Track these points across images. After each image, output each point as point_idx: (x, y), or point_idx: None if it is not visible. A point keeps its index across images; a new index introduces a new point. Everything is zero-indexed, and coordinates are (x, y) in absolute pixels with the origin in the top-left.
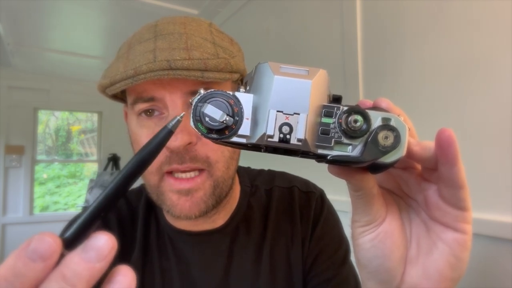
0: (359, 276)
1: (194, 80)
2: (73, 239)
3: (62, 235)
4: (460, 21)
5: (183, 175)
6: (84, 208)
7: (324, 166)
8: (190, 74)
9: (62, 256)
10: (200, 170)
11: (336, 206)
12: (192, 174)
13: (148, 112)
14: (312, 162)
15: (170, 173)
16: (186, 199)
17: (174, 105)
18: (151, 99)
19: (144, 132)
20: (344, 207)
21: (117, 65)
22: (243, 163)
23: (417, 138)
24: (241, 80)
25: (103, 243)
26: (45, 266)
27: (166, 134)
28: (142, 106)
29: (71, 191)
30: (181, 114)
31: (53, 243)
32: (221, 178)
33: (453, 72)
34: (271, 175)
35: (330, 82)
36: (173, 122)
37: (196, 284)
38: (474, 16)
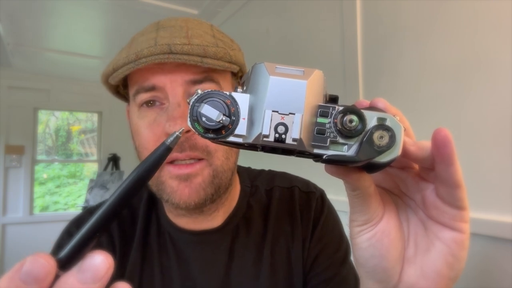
0: (358, 275)
1: (195, 68)
2: (68, 259)
3: (57, 246)
4: (460, 21)
5: (182, 162)
6: (85, 209)
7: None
8: (190, 59)
9: (57, 277)
10: (200, 159)
11: (337, 206)
12: (191, 160)
13: (150, 103)
14: (313, 162)
15: (170, 161)
16: (185, 185)
17: (175, 93)
18: (152, 88)
19: (145, 122)
20: (345, 207)
21: (120, 54)
22: (243, 163)
23: (414, 138)
24: (240, 78)
25: (99, 263)
26: None
27: (164, 151)
28: (143, 96)
29: (71, 191)
30: (180, 130)
31: (47, 265)
32: (221, 168)
33: (453, 72)
34: (272, 175)
35: (330, 82)
36: (171, 139)
37: (196, 283)
38: (474, 16)
